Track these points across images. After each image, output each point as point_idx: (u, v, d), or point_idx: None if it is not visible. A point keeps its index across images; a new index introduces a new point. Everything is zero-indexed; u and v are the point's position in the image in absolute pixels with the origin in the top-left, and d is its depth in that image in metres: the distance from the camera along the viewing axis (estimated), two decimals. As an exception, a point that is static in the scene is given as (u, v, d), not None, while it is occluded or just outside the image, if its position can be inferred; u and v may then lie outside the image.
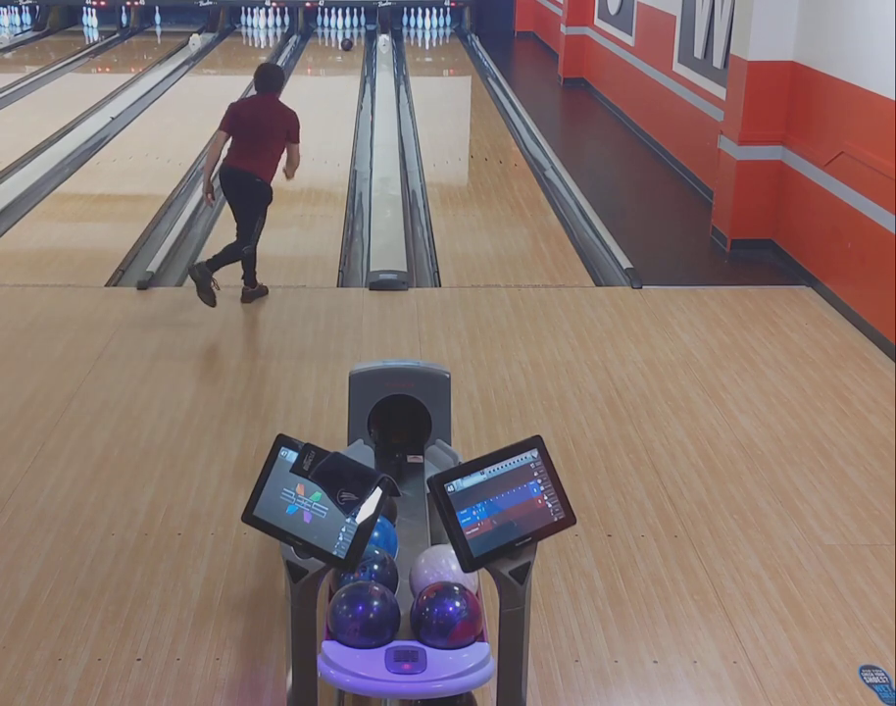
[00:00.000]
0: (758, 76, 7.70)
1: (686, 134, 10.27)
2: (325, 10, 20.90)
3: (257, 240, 6.95)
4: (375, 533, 3.25)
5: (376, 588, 2.98)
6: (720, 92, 8.83)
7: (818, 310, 7.05)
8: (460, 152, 11.63)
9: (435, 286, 7.52)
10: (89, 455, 5.15)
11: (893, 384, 5.98)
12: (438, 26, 21.27)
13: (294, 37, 19.91)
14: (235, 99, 15.77)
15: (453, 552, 2.78)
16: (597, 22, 14.43)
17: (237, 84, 14.74)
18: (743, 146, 7.85)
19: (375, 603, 2.93)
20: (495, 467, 2.79)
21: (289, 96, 14.61)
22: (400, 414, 4.18)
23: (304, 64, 17.46)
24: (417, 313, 6.98)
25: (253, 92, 7.31)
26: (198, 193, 9.54)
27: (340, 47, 18.67)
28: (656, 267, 7.92)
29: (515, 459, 2.81)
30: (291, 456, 2.85)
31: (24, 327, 6.66)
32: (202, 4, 20.64)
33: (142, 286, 7.31)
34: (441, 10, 21.19)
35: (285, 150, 6.94)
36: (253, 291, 7.13)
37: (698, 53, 9.84)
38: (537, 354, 6.35)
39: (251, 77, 7.41)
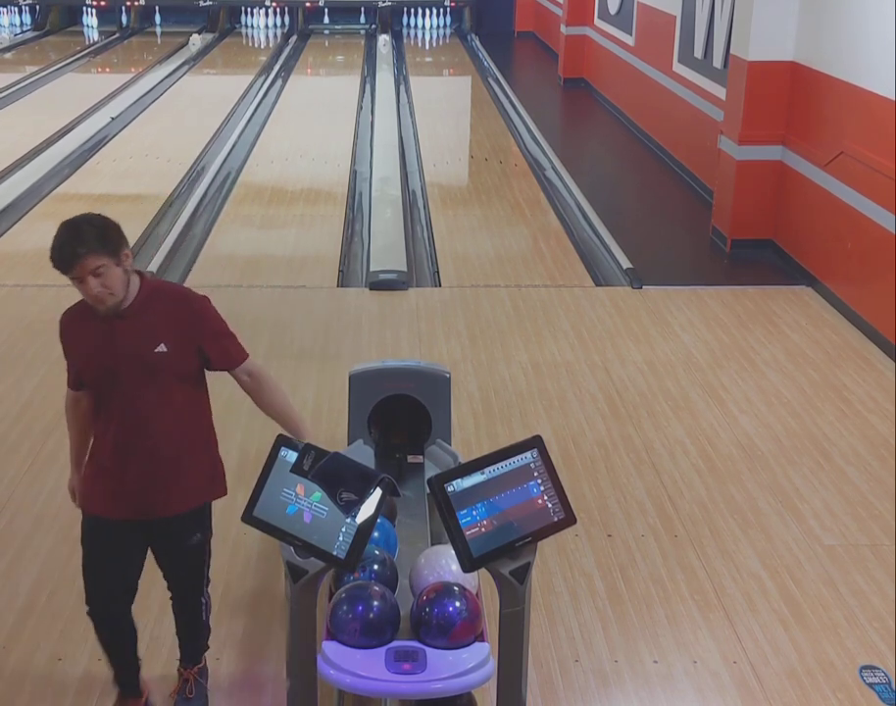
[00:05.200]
0: (758, 76, 7.70)
1: (686, 134, 10.27)
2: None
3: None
4: (375, 533, 3.25)
5: (376, 588, 2.98)
6: (720, 92, 8.83)
7: (818, 310, 7.04)
8: (460, 152, 11.63)
9: (435, 286, 7.52)
10: (89, 455, 5.14)
11: (893, 384, 5.98)
12: (438, 26, 21.26)
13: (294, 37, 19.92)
14: (235, 99, 15.67)
15: (453, 552, 2.78)
16: (597, 22, 14.42)
17: (237, 84, 14.76)
18: (743, 146, 7.85)
19: (375, 603, 2.93)
20: (495, 467, 2.79)
21: (289, 96, 14.72)
22: (400, 414, 4.18)
23: (304, 64, 17.46)
24: (417, 313, 6.98)
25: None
26: (198, 193, 9.55)
27: None
28: (656, 267, 7.92)
29: (515, 459, 2.81)
30: (291, 456, 2.85)
31: (25, 326, 6.66)
32: (202, 4, 20.63)
33: (142, 286, 7.29)
34: (441, 10, 21.18)
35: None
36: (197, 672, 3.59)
37: (698, 53, 9.84)
38: (537, 354, 6.34)
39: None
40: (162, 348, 3.13)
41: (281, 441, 2.90)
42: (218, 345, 3.26)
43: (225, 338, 3.29)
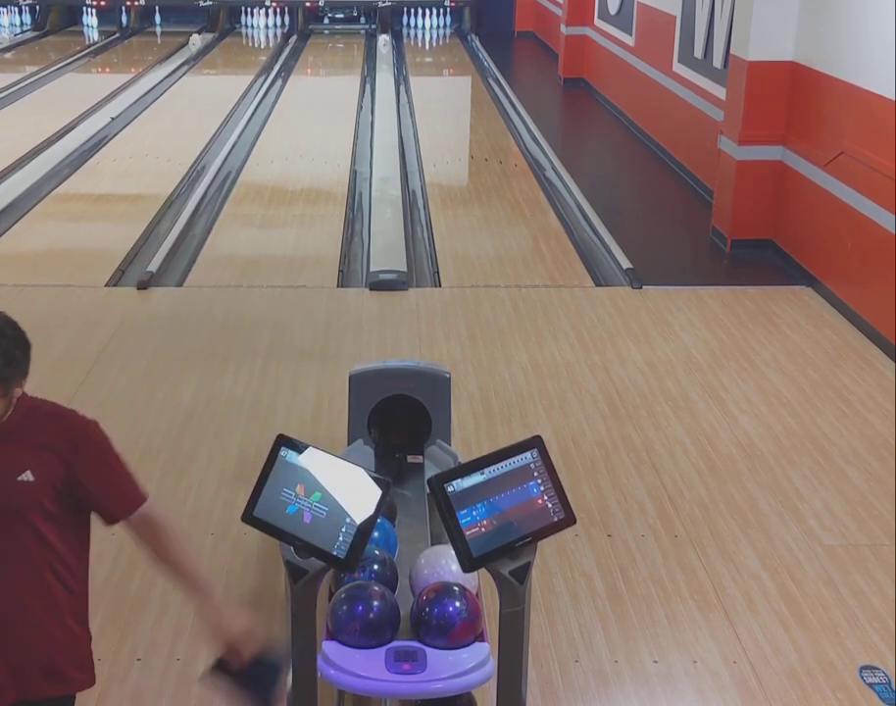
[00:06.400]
0: (758, 76, 7.70)
1: (686, 134, 10.27)
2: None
3: None
4: (375, 533, 3.25)
5: (376, 588, 2.98)
6: (720, 92, 8.83)
7: (818, 310, 7.04)
8: (460, 152, 11.63)
9: (435, 286, 7.52)
10: (89, 455, 5.13)
11: (893, 384, 5.98)
12: (438, 26, 21.25)
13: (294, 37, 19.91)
14: (235, 99, 15.66)
15: (453, 552, 2.78)
16: (597, 22, 14.42)
17: (237, 84, 14.76)
18: (743, 146, 7.85)
19: (375, 603, 2.92)
20: (495, 467, 2.79)
21: (289, 96, 14.72)
22: (400, 414, 4.18)
23: (304, 64, 17.45)
24: (417, 313, 6.98)
25: None
26: (198, 193, 9.55)
27: None
28: (656, 267, 7.92)
29: (515, 459, 2.81)
30: (291, 456, 2.84)
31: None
32: (202, 4, 20.61)
33: (142, 286, 7.30)
34: (441, 10, 21.16)
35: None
36: None
37: (698, 53, 9.84)
38: (537, 354, 6.34)
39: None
40: (27, 477, 2.37)
41: (282, 441, 2.90)
42: (104, 480, 2.46)
43: (117, 473, 2.48)
